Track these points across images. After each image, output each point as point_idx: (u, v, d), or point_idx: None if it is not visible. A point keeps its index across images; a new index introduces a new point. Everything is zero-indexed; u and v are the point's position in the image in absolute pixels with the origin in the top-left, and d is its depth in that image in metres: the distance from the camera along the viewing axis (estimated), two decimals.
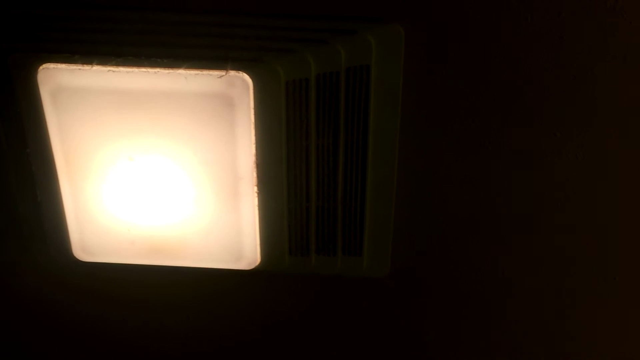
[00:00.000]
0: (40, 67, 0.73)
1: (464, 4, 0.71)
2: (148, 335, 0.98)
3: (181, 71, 0.72)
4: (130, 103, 0.74)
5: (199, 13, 0.72)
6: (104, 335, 0.99)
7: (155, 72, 0.72)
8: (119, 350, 1.00)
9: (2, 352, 1.01)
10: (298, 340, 0.96)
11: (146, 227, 0.82)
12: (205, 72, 0.72)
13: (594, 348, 0.93)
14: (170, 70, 0.72)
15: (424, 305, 0.91)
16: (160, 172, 0.78)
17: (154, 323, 0.96)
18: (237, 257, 0.83)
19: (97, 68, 0.72)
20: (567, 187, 0.80)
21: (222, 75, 0.72)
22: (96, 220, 0.82)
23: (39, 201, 0.83)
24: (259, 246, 0.83)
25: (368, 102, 0.74)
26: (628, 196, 0.80)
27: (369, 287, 0.90)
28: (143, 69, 0.72)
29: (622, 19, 0.70)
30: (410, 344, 0.95)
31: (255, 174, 0.78)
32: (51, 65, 0.73)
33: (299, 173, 0.79)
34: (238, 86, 0.72)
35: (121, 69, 0.72)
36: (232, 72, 0.72)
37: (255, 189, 0.79)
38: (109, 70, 0.72)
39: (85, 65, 0.72)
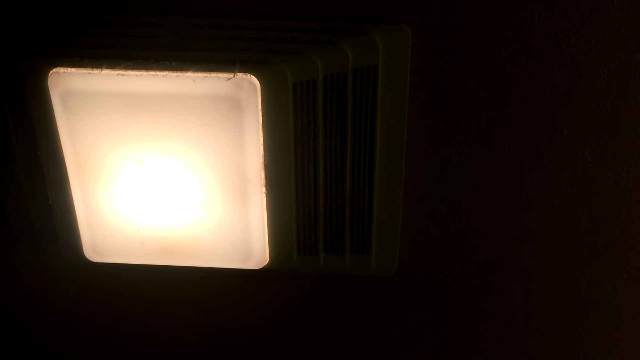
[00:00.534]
0: (51, 72, 0.74)
1: (471, 4, 0.71)
2: (159, 334, 0.98)
3: (189, 74, 0.73)
4: (139, 106, 0.74)
5: (206, 16, 0.72)
6: (115, 334, 0.99)
7: (163, 76, 0.73)
8: (130, 349, 1.01)
9: (17, 349, 1.02)
10: (306, 338, 0.97)
11: (156, 228, 0.83)
12: (213, 74, 0.72)
13: (615, 346, 0.93)
14: (179, 73, 0.73)
15: (431, 303, 0.91)
16: (169, 174, 0.79)
17: (165, 322, 0.97)
18: (246, 256, 0.84)
19: (106, 72, 0.73)
20: (575, 186, 0.80)
21: (230, 78, 0.72)
22: (107, 221, 0.82)
23: (50, 203, 0.83)
24: (267, 246, 0.84)
25: (375, 103, 0.75)
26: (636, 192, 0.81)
27: (377, 286, 0.90)
28: (152, 72, 0.73)
29: (627, 19, 0.70)
30: (417, 342, 0.95)
31: (263, 175, 0.79)
32: (61, 70, 0.73)
33: (306, 173, 0.79)
34: (246, 88, 0.73)
35: (130, 72, 0.73)
36: (240, 75, 0.72)
37: (264, 189, 0.79)
38: (118, 74, 0.73)
39: (94, 69, 0.73)
